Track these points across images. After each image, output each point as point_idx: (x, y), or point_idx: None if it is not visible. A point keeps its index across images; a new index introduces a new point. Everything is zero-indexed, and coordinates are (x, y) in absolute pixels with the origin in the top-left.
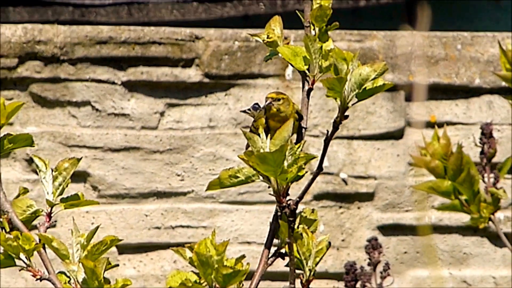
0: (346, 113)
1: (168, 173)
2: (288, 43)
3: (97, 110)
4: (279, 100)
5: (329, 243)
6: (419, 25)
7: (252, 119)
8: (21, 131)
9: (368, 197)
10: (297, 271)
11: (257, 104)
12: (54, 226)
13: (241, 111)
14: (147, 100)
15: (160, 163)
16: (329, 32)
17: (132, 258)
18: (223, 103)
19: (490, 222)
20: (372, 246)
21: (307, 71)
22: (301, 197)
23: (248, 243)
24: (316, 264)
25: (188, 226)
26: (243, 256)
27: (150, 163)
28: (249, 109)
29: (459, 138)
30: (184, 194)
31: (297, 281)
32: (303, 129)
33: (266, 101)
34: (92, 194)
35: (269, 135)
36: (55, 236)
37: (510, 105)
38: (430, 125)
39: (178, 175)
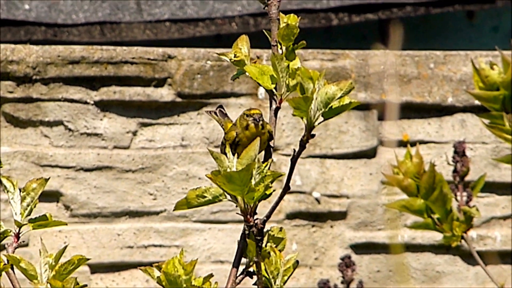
0: (313, 132)
1: (140, 192)
2: (255, 62)
3: (69, 129)
4: (261, 116)
5: (297, 261)
6: (392, 44)
7: (221, 129)
8: None
9: (341, 216)
10: None
11: (222, 107)
12: (26, 245)
13: (206, 112)
14: (119, 120)
15: (133, 182)
16: (301, 51)
17: (105, 277)
18: (195, 122)
19: (463, 241)
20: (345, 264)
21: (274, 90)
22: (268, 216)
23: (221, 262)
24: (285, 283)
25: (160, 245)
26: (211, 275)
27: (122, 182)
28: (215, 112)
29: (431, 157)
30: (157, 213)
31: None
32: (271, 148)
33: (249, 117)
34: (65, 213)
35: (235, 155)
36: (27, 256)
37: (483, 123)
38: (402, 144)
39: (151, 194)
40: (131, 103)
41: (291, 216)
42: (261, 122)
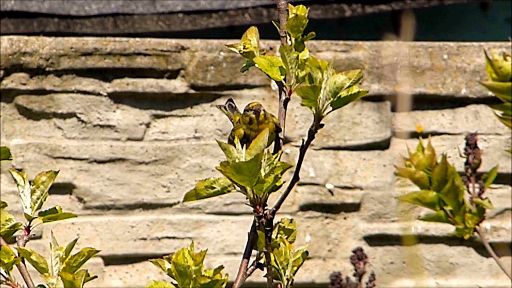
0: (325, 123)
1: (154, 184)
2: (265, 53)
3: (82, 121)
4: (261, 106)
5: (307, 252)
6: (405, 35)
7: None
8: (7, 144)
9: (354, 207)
10: (276, 281)
11: (231, 101)
12: (40, 237)
13: (216, 106)
14: (132, 111)
15: (146, 174)
16: (314, 42)
17: (118, 269)
18: (208, 114)
19: (476, 233)
20: (358, 256)
21: (283, 81)
22: (277, 206)
23: (234, 253)
24: (294, 274)
25: (174, 237)
26: (222, 267)
27: (135, 175)
28: (224, 107)
29: (445, 148)
30: (170, 205)
31: None
32: (281, 140)
33: (249, 111)
34: (78, 205)
35: (245, 145)
36: (41, 248)
37: (495, 115)
38: (416, 135)
39: (164, 186)
40: (144, 95)
41: (305, 208)
42: (261, 112)
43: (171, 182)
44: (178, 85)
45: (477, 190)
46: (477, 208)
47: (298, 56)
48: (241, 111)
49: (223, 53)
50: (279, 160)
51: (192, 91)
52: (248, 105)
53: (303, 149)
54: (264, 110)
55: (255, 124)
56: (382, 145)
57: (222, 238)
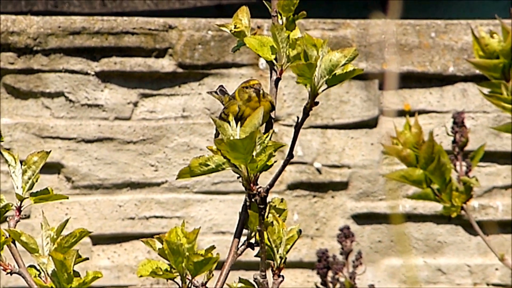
0: (316, 100)
1: (141, 163)
2: (255, 33)
3: (70, 101)
4: (261, 86)
5: (300, 230)
6: (393, 13)
7: (222, 106)
8: None
9: (342, 186)
10: (268, 260)
11: (222, 87)
12: (28, 217)
13: (207, 92)
14: (120, 91)
15: (134, 154)
16: (302, 21)
17: (106, 248)
18: (196, 93)
19: (463, 211)
20: (344, 235)
21: (274, 61)
22: (271, 184)
23: (222, 233)
24: (287, 252)
25: (162, 217)
26: (213, 247)
27: (123, 154)
28: (215, 92)
29: (433, 127)
30: (158, 184)
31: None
32: (272, 119)
33: (249, 88)
34: (66, 185)
35: (239, 123)
36: (29, 228)
37: (482, 93)
38: (403, 113)
39: (152, 166)
40: (132, 74)
41: (293, 186)
42: (261, 92)
43: (159, 161)
44: (166, 64)
45: (464, 168)
46: (464, 186)
47: (289, 35)
48: (231, 95)
49: (211, 32)
50: (270, 139)
51: (180, 70)
52: (248, 81)
53: (297, 127)
54: (263, 89)
55: (253, 102)
56: (370, 124)
57: (210, 217)
